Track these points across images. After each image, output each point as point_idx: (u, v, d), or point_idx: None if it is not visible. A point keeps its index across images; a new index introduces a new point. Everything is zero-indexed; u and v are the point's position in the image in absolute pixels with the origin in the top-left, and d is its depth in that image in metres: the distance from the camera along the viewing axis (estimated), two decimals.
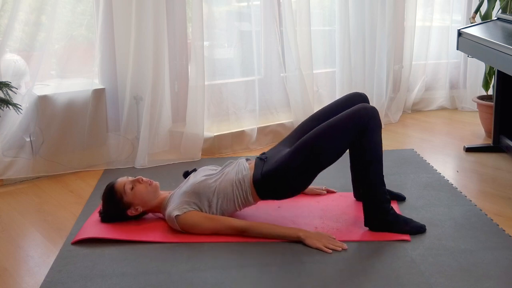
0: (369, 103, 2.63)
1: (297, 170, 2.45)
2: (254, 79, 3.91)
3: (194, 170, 2.71)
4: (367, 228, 2.50)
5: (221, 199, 2.51)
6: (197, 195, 2.50)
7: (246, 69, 3.98)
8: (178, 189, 2.61)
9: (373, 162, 2.45)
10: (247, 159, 2.69)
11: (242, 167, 2.58)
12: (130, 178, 2.60)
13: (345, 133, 2.44)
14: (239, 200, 2.52)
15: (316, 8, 4.35)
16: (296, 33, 3.94)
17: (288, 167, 2.45)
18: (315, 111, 2.87)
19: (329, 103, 2.83)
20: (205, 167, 2.71)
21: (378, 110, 2.58)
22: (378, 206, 2.46)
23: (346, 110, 2.48)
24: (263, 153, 2.66)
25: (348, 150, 2.54)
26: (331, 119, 2.49)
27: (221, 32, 3.99)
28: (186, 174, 2.71)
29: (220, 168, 2.66)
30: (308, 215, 2.68)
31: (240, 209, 2.57)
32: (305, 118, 2.85)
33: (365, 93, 2.82)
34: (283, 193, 2.54)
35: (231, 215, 2.57)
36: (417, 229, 2.47)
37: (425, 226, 2.50)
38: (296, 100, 3.99)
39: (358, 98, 2.71)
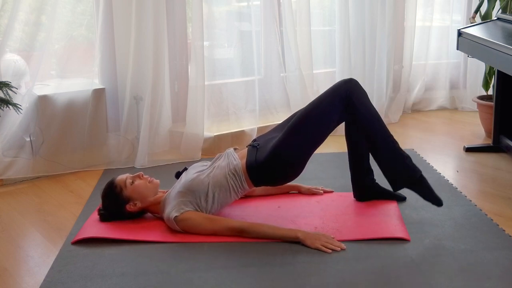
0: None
1: (293, 152, 2.50)
2: (254, 79, 3.91)
3: (185, 169, 2.71)
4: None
5: (217, 192, 2.52)
6: (191, 193, 2.50)
7: (246, 69, 3.98)
8: (172, 189, 2.61)
9: (375, 122, 2.55)
10: (235, 149, 2.71)
11: (232, 157, 2.61)
12: (131, 174, 2.63)
13: (331, 107, 2.54)
14: (235, 189, 2.54)
15: (316, 8, 4.35)
16: (296, 33, 3.94)
17: (284, 150, 2.49)
18: None
19: None
20: (195, 164, 2.73)
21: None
22: (403, 161, 2.59)
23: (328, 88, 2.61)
24: (255, 140, 2.69)
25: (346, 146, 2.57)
26: (315, 98, 2.62)
27: (221, 32, 3.99)
28: (178, 175, 2.71)
29: (210, 163, 2.67)
30: (308, 215, 2.68)
31: (238, 197, 2.59)
32: None
33: None
34: (282, 178, 2.58)
35: (230, 205, 2.61)
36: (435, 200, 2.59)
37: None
38: (296, 100, 3.99)
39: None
